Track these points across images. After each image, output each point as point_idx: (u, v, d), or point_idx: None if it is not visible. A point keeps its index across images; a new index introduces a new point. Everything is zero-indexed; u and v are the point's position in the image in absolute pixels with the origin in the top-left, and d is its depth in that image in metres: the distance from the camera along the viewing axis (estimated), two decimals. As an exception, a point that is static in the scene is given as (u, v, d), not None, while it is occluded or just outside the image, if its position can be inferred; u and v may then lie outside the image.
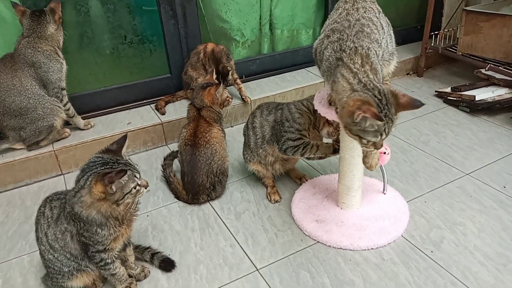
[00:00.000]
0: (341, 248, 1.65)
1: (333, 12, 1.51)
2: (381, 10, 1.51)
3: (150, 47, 2.59)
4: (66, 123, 2.31)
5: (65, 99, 2.22)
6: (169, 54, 2.63)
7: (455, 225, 1.71)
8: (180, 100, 2.66)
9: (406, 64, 3.14)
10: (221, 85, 1.94)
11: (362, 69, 1.28)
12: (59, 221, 1.37)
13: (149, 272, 1.59)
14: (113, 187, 1.24)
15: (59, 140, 2.26)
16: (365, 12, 1.41)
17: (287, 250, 1.66)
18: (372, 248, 1.62)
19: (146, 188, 1.36)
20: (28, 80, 2.07)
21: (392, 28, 1.55)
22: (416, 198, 1.88)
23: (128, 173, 1.27)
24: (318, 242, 1.68)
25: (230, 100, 2.04)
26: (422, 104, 1.27)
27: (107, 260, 1.41)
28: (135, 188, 1.30)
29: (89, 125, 2.36)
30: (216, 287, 1.52)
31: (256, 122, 1.89)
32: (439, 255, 1.57)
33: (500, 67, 2.57)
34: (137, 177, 1.32)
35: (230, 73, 2.42)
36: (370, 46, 1.32)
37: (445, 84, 2.93)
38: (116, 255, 1.44)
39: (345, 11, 1.43)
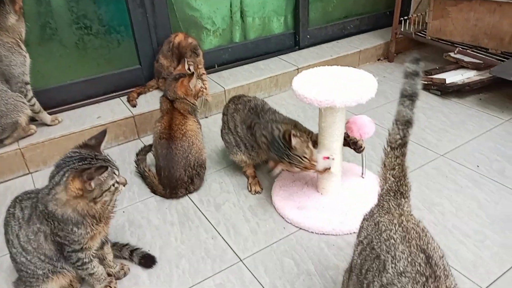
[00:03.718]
0: (323, 233, 1.64)
1: None
2: None
3: (117, 38, 2.49)
4: (32, 120, 2.19)
5: (30, 94, 2.11)
6: (138, 44, 2.54)
7: (433, 205, 1.74)
8: (151, 90, 2.58)
9: (376, 50, 3.16)
10: (195, 75, 1.88)
11: None
12: (31, 222, 1.30)
13: (128, 269, 1.54)
14: (92, 184, 1.18)
15: (24, 137, 2.14)
16: None
17: (270, 239, 1.64)
18: (354, 232, 1.61)
19: (124, 186, 1.30)
20: (-12, 75, 1.95)
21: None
22: (394, 181, 1.89)
23: (108, 169, 1.21)
24: (301, 229, 1.68)
25: (204, 90, 1.99)
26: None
27: (84, 260, 1.35)
28: (113, 185, 1.24)
29: (56, 121, 2.26)
30: (200, 281, 1.49)
31: (239, 132, 1.83)
32: (419, 235, 1.60)
33: (468, 50, 2.62)
34: (116, 174, 1.26)
35: (193, 68, 2.32)
36: None
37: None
38: (93, 254, 1.38)
39: None
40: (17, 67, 2.02)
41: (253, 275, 1.49)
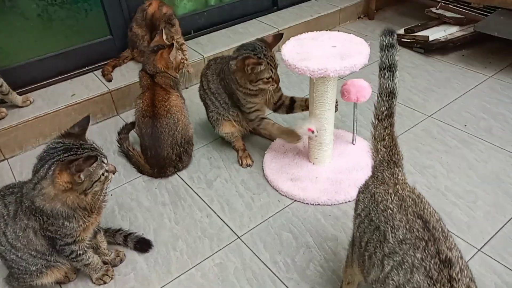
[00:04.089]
0: (319, 204, 1.63)
1: None
2: None
3: (84, 7, 2.31)
4: (1, 102, 2.04)
5: (-5, 74, 1.96)
6: (108, 13, 2.37)
7: (425, 168, 1.75)
8: (126, 62, 2.44)
9: (356, 7, 3.07)
10: (174, 46, 1.77)
11: None
12: (17, 218, 1.22)
13: (124, 255, 1.50)
14: (82, 176, 1.11)
15: (-5, 121, 2.01)
16: None
17: (265, 213, 1.62)
18: (349, 201, 1.62)
19: (114, 174, 1.23)
20: None
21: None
22: (385, 146, 1.88)
23: (97, 159, 1.13)
24: (296, 201, 1.66)
25: (185, 61, 1.88)
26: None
27: (78, 252, 1.30)
28: (103, 174, 1.17)
29: (28, 102, 2.12)
30: (199, 261, 1.47)
31: (212, 88, 1.77)
32: (413, 200, 1.61)
33: (449, 5, 2.58)
34: (104, 163, 1.19)
35: (170, 36, 2.19)
36: None
37: (397, 25, 2.90)
38: (87, 245, 1.33)
39: None
40: (-22, 46, 1.85)
41: (252, 251, 1.48)
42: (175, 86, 1.84)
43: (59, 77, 2.31)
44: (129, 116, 2.26)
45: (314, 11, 2.92)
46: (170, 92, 1.78)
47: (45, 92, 2.22)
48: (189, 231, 1.58)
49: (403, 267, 0.87)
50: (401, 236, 0.91)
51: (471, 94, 2.18)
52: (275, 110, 1.78)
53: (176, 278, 1.42)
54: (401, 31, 2.72)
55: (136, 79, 2.25)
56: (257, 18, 2.87)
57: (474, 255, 1.39)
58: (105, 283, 1.42)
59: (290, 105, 1.76)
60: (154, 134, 1.72)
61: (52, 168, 1.12)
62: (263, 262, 1.44)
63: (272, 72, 1.55)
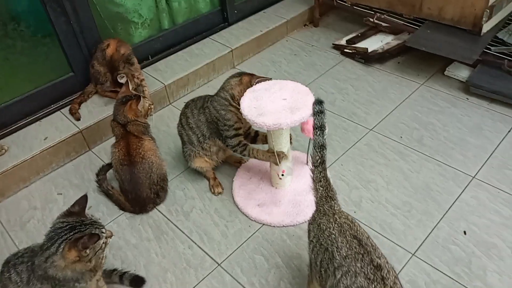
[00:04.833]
0: (284, 226, 1.92)
1: None
2: None
3: (44, 50, 2.40)
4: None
5: (-31, 131, 2.06)
6: (67, 53, 2.47)
7: (369, 182, 2.07)
8: (91, 97, 2.57)
9: (302, 16, 3.29)
10: (142, 98, 1.95)
11: None
12: (31, 283, 1.42)
13: (122, 293, 1.74)
14: (87, 251, 1.32)
15: (-25, 174, 2.12)
16: None
17: (239, 239, 1.89)
18: (308, 220, 1.91)
19: (111, 237, 1.45)
20: None
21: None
22: (334, 163, 2.19)
23: (100, 237, 1.35)
24: (264, 224, 1.94)
25: (152, 106, 2.06)
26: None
27: (85, 302, 1.52)
28: (104, 243, 1.39)
29: (3, 150, 2.23)
30: (188, 291, 1.73)
31: (191, 123, 1.97)
32: (361, 214, 1.93)
33: (384, 16, 2.85)
34: (103, 233, 1.40)
35: (131, 75, 2.35)
36: None
37: (340, 33, 3.17)
38: (91, 294, 1.55)
39: None
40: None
41: (232, 276, 1.76)
42: (146, 131, 2.02)
43: (28, 119, 2.42)
44: (100, 150, 2.43)
45: (263, 25, 3.12)
46: (142, 139, 1.97)
47: (18, 137, 2.33)
48: (175, 263, 1.83)
49: (349, 274, 1.20)
50: (344, 253, 1.25)
51: (406, 104, 2.50)
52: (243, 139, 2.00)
53: (170, 308, 1.68)
54: (343, 42, 2.99)
55: (103, 114, 2.44)
56: (210, 37, 3.04)
57: (409, 259, 1.73)
58: (109, 320, 1.66)
59: (254, 137, 1.99)
60: (133, 180, 1.92)
61: (61, 246, 1.32)
62: (242, 285, 1.72)
63: None
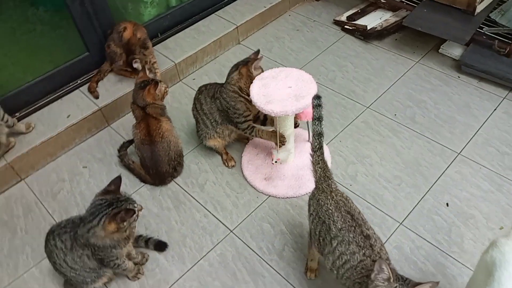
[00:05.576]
0: (287, 197, 2.17)
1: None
2: None
3: (62, 32, 2.55)
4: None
5: (1, 112, 2.25)
6: (83, 34, 2.60)
7: (364, 158, 2.30)
8: (107, 75, 2.74)
9: (304, -10, 3.38)
10: (159, 83, 2.13)
11: None
12: (73, 249, 1.69)
13: (148, 256, 2.01)
14: (124, 224, 1.58)
15: (7, 151, 2.34)
16: None
17: (248, 209, 2.15)
18: (309, 193, 2.15)
19: (141, 211, 1.69)
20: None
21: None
22: (333, 139, 2.40)
23: (131, 207, 1.59)
24: (270, 196, 2.19)
25: (168, 89, 2.25)
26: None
27: (119, 263, 1.79)
28: (137, 215, 1.64)
29: (31, 128, 2.43)
30: (205, 254, 2.00)
31: (205, 109, 2.17)
32: (356, 187, 2.17)
33: (384, -7, 2.96)
34: (135, 207, 1.64)
35: (144, 61, 2.50)
36: None
37: (341, 8, 3.28)
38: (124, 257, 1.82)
39: None
40: (-16, 94, 2.13)
41: (242, 241, 2.03)
42: (163, 112, 2.22)
43: (50, 97, 2.60)
44: (118, 126, 2.64)
45: (267, 1, 3.22)
46: (160, 120, 2.17)
47: (42, 115, 2.53)
48: (193, 230, 2.09)
49: (343, 243, 1.47)
50: (339, 226, 1.50)
51: (401, 81, 2.68)
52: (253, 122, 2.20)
53: (190, 268, 1.96)
54: (344, 18, 3.11)
55: (119, 93, 2.62)
56: (215, 13, 3.15)
57: (397, 228, 1.99)
58: (138, 279, 1.94)
59: (264, 120, 2.19)
60: (154, 157, 2.14)
61: (102, 220, 1.57)
62: (251, 249, 1.99)
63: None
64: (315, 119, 1.67)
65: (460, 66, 2.66)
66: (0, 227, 2.19)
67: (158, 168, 2.17)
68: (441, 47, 2.81)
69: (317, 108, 1.68)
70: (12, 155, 2.33)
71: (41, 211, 2.24)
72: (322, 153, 1.68)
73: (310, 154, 1.70)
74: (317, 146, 1.67)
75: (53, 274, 1.93)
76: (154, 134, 2.13)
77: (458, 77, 2.66)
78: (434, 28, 2.65)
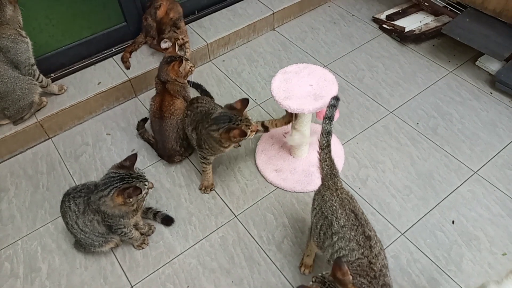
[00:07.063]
0: (295, 192, 2.21)
1: None
2: None
3: (103, 2, 2.62)
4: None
5: (37, 73, 2.37)
6: (122, 3, 2.68)
7: (378, 163, 2.29)
8: (141, 46, 2.81)
9: (348, -18, 3.31)
10: (184, 60, 2.18)
11: None
12: (85, 213, 1.80)
13: (154, 228, 2.11)
14: (131, 200, 1.67)
15: (39, 110, 2.47)
16: None
17: (255, 197, 2.21)
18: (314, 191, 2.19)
19: (152, 189, 1.78)
20: (1, 66, 2.19)
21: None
22: (350, 140, 2.40)
23: (140, 185, 1.68)
24: (278, 188, 2.23)
25: (193, 68, 2.30)
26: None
27: (126, 231, 1.90)
28: (146, 193, 1.73)
29: (63, 90, 2.56)
30: (207, 234, 2.09)
31: (186, 123, 2.16)
32: (364, 191, 2.19)
33: (428, -4, 2.86)
34: (146, 185, 1.73)
35: (174, 38, 2.55)
36: None
37: (383, 4, 3.19)
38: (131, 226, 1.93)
39: None
40: (23, 54, 2.24)
41: (245, 227, 2.10)
42: (183, 90, 2.27)
43: (84, 62, 2.71)
44: (145, 98, 2.72)
45: (307, -11, 3.18)
46: (176, 98, 2.23)
47: (75, 79, 2.65)
48: (200, 209, 2.18)
49: (344, 239, 1.51)
50: (342, 223, 1.53)
51: (430, 90, 2.62)
52: None
53: (192, 246, 2.05)
54: (383, 16, 3.04)
55: (150, 66, 2.70)
56: (255, -4, 3.15)
57: (398, 237, 2.01)
58: (142, 248, 2.06)
59: (265, 130, 2.08)
60: (161, 131, 2.22)
61: (112, 192, 1.67)
62: (252, 236, 2.06)
63: (250, 129, 1.86)
64: (325, 118, 1.69)
65: (494, 82, 2.58)
66: (25, 180, 2.35)
67: (163, 143, 2.25)
68: (479, 59, 2.72)
69: (330, 108, 1.70)
70: (43, 114, 2.46)
71: (63, 170, 2.38)
72: (330, 151, 1.70)
73: (318, 152, 1.72)
74: (325, 144, 1.69)
75: (66, 232, 2.07)
76: (165, 110, 2.19)
77: (491, 93, 2.58)
78: (473, 40, 2.56)
